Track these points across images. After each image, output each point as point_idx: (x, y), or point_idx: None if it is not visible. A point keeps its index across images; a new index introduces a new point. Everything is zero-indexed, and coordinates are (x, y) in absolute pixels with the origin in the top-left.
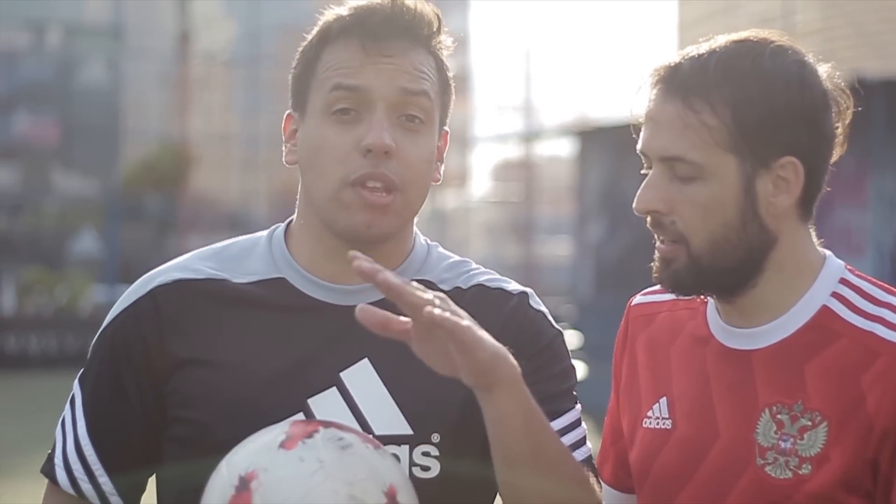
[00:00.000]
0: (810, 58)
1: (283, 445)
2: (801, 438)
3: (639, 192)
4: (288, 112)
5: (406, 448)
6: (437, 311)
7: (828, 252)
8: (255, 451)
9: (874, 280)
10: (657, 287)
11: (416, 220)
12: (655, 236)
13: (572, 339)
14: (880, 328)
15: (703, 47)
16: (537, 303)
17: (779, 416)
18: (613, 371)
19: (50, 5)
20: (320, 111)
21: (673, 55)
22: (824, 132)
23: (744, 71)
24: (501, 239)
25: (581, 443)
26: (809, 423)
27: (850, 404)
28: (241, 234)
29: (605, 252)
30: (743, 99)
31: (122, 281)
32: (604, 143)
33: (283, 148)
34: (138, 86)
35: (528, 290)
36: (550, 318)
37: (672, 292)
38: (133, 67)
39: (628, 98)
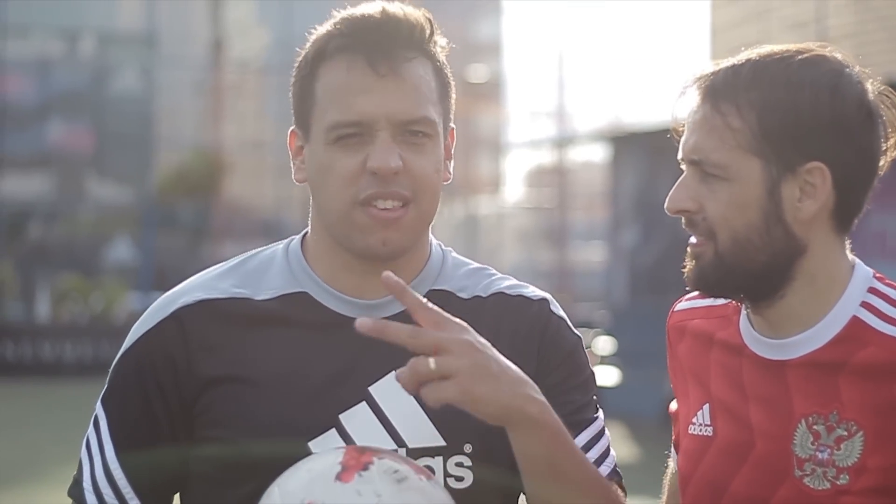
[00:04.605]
0: (854, 71)
1: (339, 477)
2: (838, 449)
3: (671, 192)
4: (292, 129)
5: (440, 459)
6: (432, 392)
7: (857, 260)
8: (311, 482)
9: None
10: (694, 294)
11: (431, 226)
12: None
13: (606, 344)
14: None
15: (742, 55)
16: (558, 308)
17: (815, 427)
18: (671, 377)
19: (83, 13)
20: (323, 139)
21: (716, 63)
22: (860, 143)
23: (773, 76)
24: (535, 245)
25: (606, 453)
26: (845, 434)
27: (886, 413)
28: (275, 241)
29: (640, 257)
30: (769, 103)
31: (157, 288)
32: (637, 148)
33: (292, 165)
34: (172, 93)
35: (548, 295)
36: (570, 323)
37: (696, 290)
38: (166, 75)
39: (667, 103)
